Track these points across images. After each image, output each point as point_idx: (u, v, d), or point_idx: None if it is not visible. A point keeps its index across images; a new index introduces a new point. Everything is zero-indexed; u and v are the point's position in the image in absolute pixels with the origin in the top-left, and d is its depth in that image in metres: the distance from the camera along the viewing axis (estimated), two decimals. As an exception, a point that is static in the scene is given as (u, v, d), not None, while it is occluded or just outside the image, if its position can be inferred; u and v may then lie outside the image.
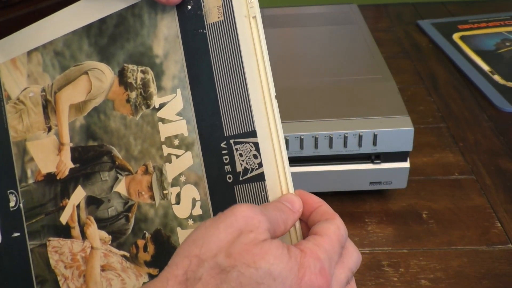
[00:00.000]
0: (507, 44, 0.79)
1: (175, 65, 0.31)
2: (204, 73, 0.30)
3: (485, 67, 0.73)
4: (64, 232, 0.36)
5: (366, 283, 0.43)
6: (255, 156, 0.29)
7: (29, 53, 0.36)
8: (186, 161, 0.31)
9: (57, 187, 0.36)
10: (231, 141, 0.30)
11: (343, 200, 0.51)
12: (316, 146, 0.45)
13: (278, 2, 1.03)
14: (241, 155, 0.30)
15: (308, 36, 0.63)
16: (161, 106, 0.32)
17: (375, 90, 0.50)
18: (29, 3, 0.92)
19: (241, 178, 0.30)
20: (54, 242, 0.36)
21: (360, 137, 0.45)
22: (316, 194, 0.52)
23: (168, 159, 0.32)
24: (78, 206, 0.35)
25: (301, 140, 0.45)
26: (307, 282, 0.26)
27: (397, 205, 0.51)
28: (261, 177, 0.30)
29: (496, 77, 0.70)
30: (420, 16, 0.92)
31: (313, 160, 0.47)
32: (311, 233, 0.30)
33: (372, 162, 0.47)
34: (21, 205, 0.37)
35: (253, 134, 0.29)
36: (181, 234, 0.32)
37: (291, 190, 0.30)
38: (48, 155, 0.36)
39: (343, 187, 0.49)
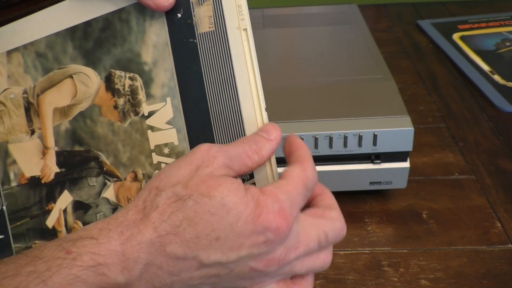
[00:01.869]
0: (507, 44, 0.79)
1: (165, 74, 0.31)
2: (194, 83, 0.30)
3: (485, 67, 0.73)
4: (51, 235, 0.35)
5: (366, 283, 0.43)
6: None
7: (9, 53, 0.35)
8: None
9: (42, 190, 0.35)
10: None
11: (343, 200, 0.51)
12: (316, 146, 0.45)
13: (278, 2, 1.03)
14: None
15: (308, 36, 0.63)
16: (150, 114, 0.31)
17: (375, 90, 0.50)
18: (29, 3, 0.92)
19: None
20: None
21: (360, 137, 0.45)
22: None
23: (158, 167, 0.32)
24: (65, 211, 0.35)
25: (301, 140, 0.45)
26: (264, 220, 0.26)
27: (397, 205, 0.51)
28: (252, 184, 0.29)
29: (496, 77, 0.70)
30: (420, 16, 0.92)
31: (314, 160, 0.47)
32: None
33: (372, 162, 0.47)
34: (4, 207, 0.37)
35: None
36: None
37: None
38: (31, 158, 0.35)
39: (343, 187, 0.49)
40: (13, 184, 0.36)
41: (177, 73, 0.30)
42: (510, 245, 0.46)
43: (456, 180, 0.54)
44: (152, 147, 0.32)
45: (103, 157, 0.33)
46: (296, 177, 0.29)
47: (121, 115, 0.32)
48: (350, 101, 0.48)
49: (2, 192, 0.37)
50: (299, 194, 0.28)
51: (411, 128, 0.45)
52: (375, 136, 0.45)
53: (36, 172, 0.35)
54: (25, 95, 0.35)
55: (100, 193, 0.34)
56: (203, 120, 0.30)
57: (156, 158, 0.32)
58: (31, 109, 0.35)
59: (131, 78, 0.31)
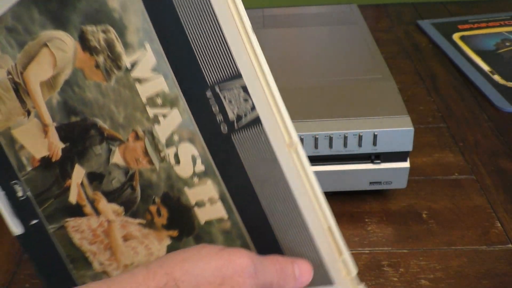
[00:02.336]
0: (507, 44, 0.79)
1: (136, 16, 0.28)
2: (169, 19, 0.27)
3: (485, 67, 0.73)
4: (78, 211, 0.35)
5: (366, 283, 0.43)
6: (245, 100, 0.27)
7: None
8: (175, 119, 0.29)
9: (55, 169, 0.34)
10: (216, 88, 0.27)
11: (343, 200, 0.51)
12: (316, 146, 0.45)
13: (278, 2, 1.03)
14: (230, 101, 0.27)
15: (308, 36, 0.63)
16: (133, 65, 0.29)
17: (375, 90, 0.50)
18: (29, 3, 0.92)
19: (236, 127, 0.28)
20: (72, 222, 0.35)
21: (360, 137, 0.45)
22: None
23: (155, 120, 0.30)
24: (82, 184, 0.34)
25: (301, 140, 0.45)
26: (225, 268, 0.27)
27: (397, 205, 0.51)
28: (257, 121, 0.27)
29: (496, 77, 0.70)
30: (420, 16, 0.92)
31: (313, 160, 0.47)
32: None
33: (372, 162, 0.47)
34: (28, 193, 0.36)
35: (238, 76, 0.27)
36: (190, 193, 0.30)
37: (292, 131, 0.27)
38: (36, 139, 0.34)
39: (343, 187, 0.49)
40: (28, 168, 0.35)
41: (148, 12, 0.27)
42: (510, 245, 0.46)
43: (456, 180, 0.54)
44: (144, 101, 0.29)
45: (100, 123, 0.31)
46: None
47: (104, 74, 0.30)
48: (350, 101, 0.48)
49: (22, 178, 0.36)
50: None
51: (411, 128, 0.45)
52: (375, 136, 0.45)
53: (45, 152, 0.34)
54: (10, 76, 0.33)
55: (108, 160, 0.32)
56: (188, 57, 0.27)
57: (151, 111, 0.30)
58: (19, 90, 0.33)
59: (104, 31, 0.29)
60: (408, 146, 0.46)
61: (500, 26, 0.85)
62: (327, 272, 0.29)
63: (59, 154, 0.34)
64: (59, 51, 0.31)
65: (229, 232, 0.30)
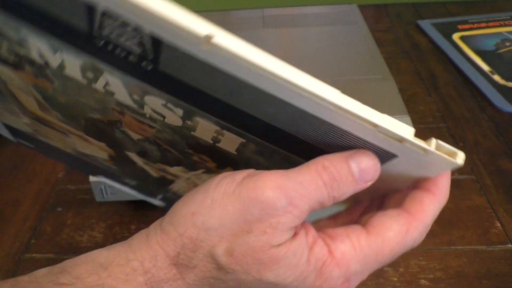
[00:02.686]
0: (507, 44, 0.79)
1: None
2: None
3: (485, 67, 0.73)
4: (166, 182, 0.34)
5: (366, 283, 0.43)
6: (125, 26, 0.19)
7: None
8: (115, 84, 0.24)
9: (127, 164, 0.33)
10: (103, 33, 0.20)
11: (343, 200, 0.51)
12: (316, 146, 0.45)
13: (278, 2, 1.03)
14: (120, 36, 0.20)
15: (308, 36, 0.63)
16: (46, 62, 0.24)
17: (375, 90, 0.50)
18: (29, 3, 0.92)
19: (150, 56, 0.21)
20: (172, 188, 0.35)
21: (360, 137, 0.45)
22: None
23: (108, 92, 0.25)
24: (145, 164, 0.32)
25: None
26: None
27: (397, 205, 0.51)
28: (158, 43, 0.19)
29: (496, 77, 0.70)
30: (420, 16, 0.92)
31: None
32: (365, 220, 0.23)
33: (372, 162, 0.47)
34: (133, 183, 0.36)
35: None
36: (199, 135, 0.26)
37: (198, 26, 0.18)
38: (87, 146, 0.33)
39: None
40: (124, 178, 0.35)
41: None
42: (510, 245, 0.46)
43: (456, 180, 0.54)
44: (85, 82, 0.25)
45: (94, 116, 0.28)
46: (389, 240, 0.22)
47: (45, 79, 0.26)
48: (350, 101, 0.48)
49: (132, 184, 0.35)
50: (378, 263, 0.22)
51: (411, 128, 0.45)
52: (375, 136, 0.45)
53: (104, 154, 0.33)
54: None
55: (131, 138, 0.30)
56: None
57: (97, 87, 0.25)
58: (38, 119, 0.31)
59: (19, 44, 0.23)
60: (408, 146, 0.46)
61: (500, 26, 0.85)
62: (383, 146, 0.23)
63: (109, 151, 0.32)
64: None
65: (261, 153, 0.26)
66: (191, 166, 0.30)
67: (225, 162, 0.28)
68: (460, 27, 0.86)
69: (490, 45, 0.79)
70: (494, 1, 0.96)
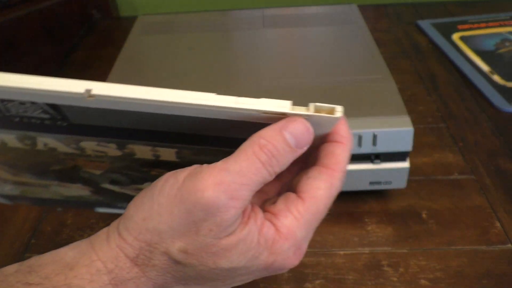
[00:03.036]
0: (507, 44, 0.79)
1: None
2: None
3: (485, 67, 0.73)
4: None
5: (366, 283, 0.43)
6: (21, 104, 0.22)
7: None
8: (51, 142, 0.28)
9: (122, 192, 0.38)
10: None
11: (343, 200, 0.51)
12: (316, 146, 0.45)
13: (278, 2, 1.03)
14: (19, 109, 0.23)
15: (308, 36, 0.63)
16: None
17: (375, 90, 0.50)
18: (29, 3, 0.92)
19: (58, 117, 0.24)
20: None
21: (360, 137, 0.45)
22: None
23: (52, 150, 0.29)
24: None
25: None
26: (277, 265, 0.24)
27: (397, 205, 0.51)
28: (53, 106, 0.23)
29: (496, 77, 0.70)
30: (420, 16, 0.92)
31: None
32: (295, 186, 0.25)
33: (372, 162, 0.47)
34: (125, 205, 0.39)
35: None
36: (136, 150, 0.29)
37: (75, 86, 0.21)
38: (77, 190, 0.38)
39: (343, 187, 0.49)
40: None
41: None
42: (510, 245, 0.46)
43: (456, 180, 0.54)
44: (28, 148, 0.28)
45: (53, 167, 0.32)
46: (321, 199, 0.24)
47: None
48: (350, 101, 0.48)
49: (125, 206, 0.39)
50: (318, 220, 0.25)
51: (411, 128, 0.45)
52: (375, 136, 0.45)
53: (86, 191, 0.37)
54: None
55: (100, 175, 0.33)
56: None
57: (40, 149, 0.28)
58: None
59: None
60: (408, 146, 0.46)
61: (500, 26, 0.85)
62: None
63: (90, 188, 0.36)
64: None
65: (197, 153, 0.29)
66: (155, 179, 0.33)
67: (176, 168, 0.31)
68: (460, 27, 0.86)
69: (490, 45, 0.79)
70: (494, 1, 0.96)
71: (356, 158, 0.47)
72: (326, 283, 0.43)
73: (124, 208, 0.41)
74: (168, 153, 0.29)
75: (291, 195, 0.25)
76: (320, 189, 0.24)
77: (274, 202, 0.25)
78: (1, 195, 0.40)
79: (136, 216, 0.23)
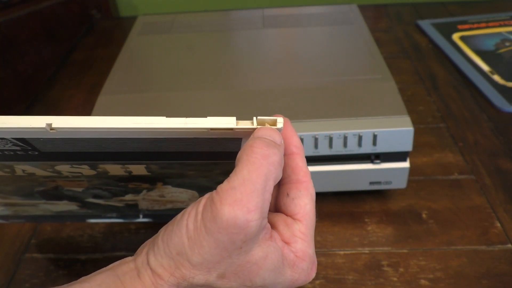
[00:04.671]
0: (507, 44, 0.79)
1: None
2: None
3: (485, 67, 0.73)
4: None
5: (366, 283, 0.43)
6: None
7: None
8: (29, 169, 0.30)
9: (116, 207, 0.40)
10: None
11: (343, 200, 0.51)
12: (316, 146, 0.45)
13: (278, 2, 1.03)
14: None
15: (308, 36, 0.63)
16: None
17: (375, 90, 0.50)
18: (29, 3, 0.92)
19: (29, 147, 0.26)
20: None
21: (360, 137, 0.45)
22: (316, 194, 0.52)
23: (31, 175, 0.32)
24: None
25: (301, 140, 0.45)
26: (300, 282, 0.26)
27: (397, 205, 0.51)
28: (22, 140, 0.25)
29: (496, 77, 0.70)
30: (419, 16, 0.92)
31: (313, 160, 0.47)
32: (283, 210, 0.27)
33: (372, 162, 0.47)
34: (114, 215, 0.43)
35: None
36: (109, 169, 0.31)
37: (36, 122, 0.23)
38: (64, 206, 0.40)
39: (343, 187, 0.49)
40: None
41: None
42: (509, 245, 0.46)
43: (456, 180, 0.54)
44: (9, 175, 0.31)
45: (37, 189, 0.35)
46: (310, 211, 0.27)
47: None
48: (350, 101, 0.48)
49: (114, 215, 0.42)
50: (314, 228, 0.28)
51: (411, 128, 0.45)
52: (375, 136, 0.45)
53: (73, 206, 0.39)
54: None
55: (80, 193, 0.36)
56: None
57: (19, 174, 0.31)
58: None
59: None
60: (408, 146, 0.46)
61: (500, 26, 0.85)
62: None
63: (76, 203, 0.39)
64: None
65: (165, 167, 0.31)
66: (135, 191, 0.36)
67: (150, 181, 0.33)
68: (460, 27, 0.86)
69: (490, 45, 0.79)
70: (494, 1, 0.96)
71: (356, 158, 0.47)
72: (326, 283, 0.43)
73: (113, 217, 0.43)
74: (138, 169, 0.31)
75: (288, 220, 0.27)
76: (307, 204, 0.27)
77: (274, 227, 0.27)
78: None
79: (169, 251, 0.24)
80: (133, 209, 0.41)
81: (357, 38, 0.61)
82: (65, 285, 0.25)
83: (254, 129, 0.25)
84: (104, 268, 0.26)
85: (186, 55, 0.59)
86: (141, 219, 0.44)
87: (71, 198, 0.37)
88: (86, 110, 0.69)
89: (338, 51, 0.58)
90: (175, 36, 0.65)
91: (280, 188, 0.28)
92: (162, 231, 0.25)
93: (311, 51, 0.59)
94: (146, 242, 0.27)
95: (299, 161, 0.28)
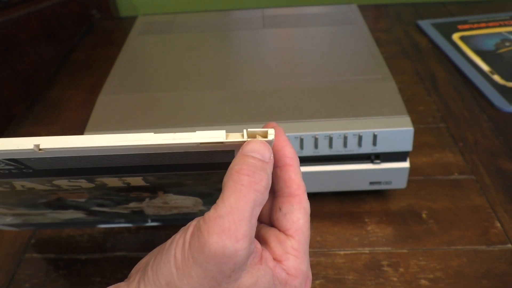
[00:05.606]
0: (507, 44, 0.79)
1: None
2: None
3: (485, 67, 0.73)
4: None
5: (365, 283, 0.43)
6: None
7: None
8: (27, 184, 0.31)
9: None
10: None
11: (343, 200, 0.51)
12: (316, 146, 0.45)
13: (278, 2, 1.03)
14: None
15: (308, 36, 0.63)
16: None
17: (375, 90, 0.50)
18: (29, 3, 0.92)
19: (22, 167, 0.27)
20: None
21: (360, 137, 0.45)
22: (316, 194, 0.52)
23: (30, 189, 0.32)
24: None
25: (301, 140, 0.45)
26: None
27: (397, 205, 0.51)
28: (14, 161, 0.26)
29: (496, 77, 0.70)
30: (420, 16, 0.92)
31: (313, 160, 0.47)
32: (275, 224, 0.27)
33: (372, 162, 0.47)
34: (122, 220, 0.43)
35: None
36: (108, 182, 0.31)
37: (21, 144, 0.24)
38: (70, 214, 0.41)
39: (343, 187, 0.49)
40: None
41: None
42: (509, 245, 0.46)
43: (456, 180, 0.54)
44: (8, 190, 0.31)
45: (40, 201, 0.35)
46: (303, 226, 0.26)
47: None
48: (350, 101, 0.48)
49: (122, 221, 0.43)
50: (308, 243, 0.27)
51: (411, 128, 0.45)
52: (375, 136, 0.45)
53: (80, 214, 0.39)
54: None
55: (85, 203, 0.35)
56: None
57: (19, 189, 0.31)
58: None
59: None
60: (408, 146, 0.46)
61: (500, 26, 0.85)
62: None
63: (82, 211, 0.39)
64: None
65: (162, 178, 0.31)
66: (138, 199, 0.36)
67: (150, 190, 0.33)
68: (460, 27, 0.86)
69: (490, 45, 0.79)
70: (494, 1, 0.96)
71: (356, 158, 0.47)
72: (326, 283, 0.43)
73: (122, 223, 0.43)
74: (136, 180, 0.31)
75: (281, 236, 0.26)
76: (300, 219, 0.26)
77: (266, 243, 0.27)
78: (8, 224, 0.42)
79: (158, 282, 0.24)
80: (140, 214, 0.41)
81: (357, 38, 0.61)
82: None
83: (243, 142, 0.25)
84: None
85: (186, 55, 0.59)
86: (150, 223, 0.44)
87: (76, 207, 0.37)
88: (86, 110, 0.69)
89: (338, 51, 0.58)
90: (175, 36, 0.65)
91: (273, 201, 0.28)
92: (152, 257, 0.25)
93: (311, 51, 0.59)
94: (140, 264, 0.27)
95: (292, 173, 0.27)
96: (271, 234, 0.27)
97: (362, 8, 0.91)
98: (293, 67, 0.55)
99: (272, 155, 0.25)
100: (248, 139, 0.25)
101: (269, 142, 0.25)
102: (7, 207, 0.36)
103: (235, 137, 0.25)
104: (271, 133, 0.25)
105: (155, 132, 0.24)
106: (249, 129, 0.25)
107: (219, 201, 0.23)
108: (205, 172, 0.30)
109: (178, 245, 0.24)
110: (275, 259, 0.26)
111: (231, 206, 0.23)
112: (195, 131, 0.24)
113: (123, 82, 0.54)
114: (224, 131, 0.24)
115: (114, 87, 0.53)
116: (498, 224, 0.48)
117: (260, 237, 0.28)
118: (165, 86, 0.53)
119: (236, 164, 0.24)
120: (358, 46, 0.59)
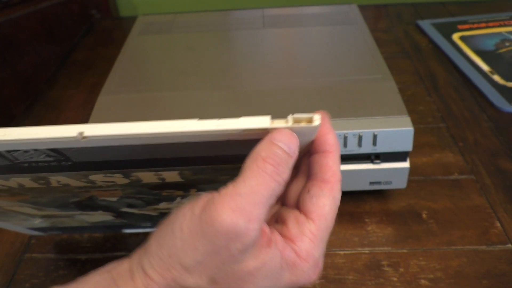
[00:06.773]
0: (507, 44, 0.79)
1: None
2: None
3: (485, 67, 0.73)
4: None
5: (366, 283, 0.43)
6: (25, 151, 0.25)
7: None
8: (63, 179, 0.30)
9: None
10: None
11: (343, 200, 0.51)
12: (316, 146, 0.45)
13: (278, 2, 1.03)
14: (27, 157, 0.26)
15: (308, 36, 0.63)
16: None
17: (375, 90, 0.50)
18: (29, 3, 0.92)
19: (62, 158, 0.27)
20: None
21: (360, 137, 0.45)
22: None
23: (65, 185, 0.32)
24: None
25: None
26: (298, 284, 0.25)
27: (397, 205, 0.51)
28: (55, 149, 0.26)
29: (496, 77, 0.70)
30: (420, 16, 0.92)
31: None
32: (300, 205, 0.26)
33: (372, 162, 0.47)
34: (148, 224, 0.43)
35: None
36: (142, 176, 0.31)
37: (59, 132, 0.24)
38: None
39: (343, 187, 0.49)
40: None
41: None
42: (509, 245, 0.46)
43: (456, 180, 0.54)
44: (43, 187, 0.31)
45: (71, 200, 0.35)
46: (328, 214, 0.25)
47: (18, 195, 0.32)
48: (350, 101, 0.48)
49: (148, 225, 0.43)
50: (329, 234, 0.26)
51: (411, 128, 0.45)
52: (375, 136, 0.45)
53: (109, 216, 0.40)
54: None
55: (115, 202, 0.35)
56: None
57: (54, 186, 0.31)
58: None
59: None
60: (408, 146, 0.46)
61: (500, 26, 0.85)
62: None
63: (111, 213, 0.39)
64: None
65: (198, 173, 0.30)
66: (169, 199, 0.35)
67: (184, 187, 0.33)
68: (460, 27, 0.86)
69: (490, 45, 0.79)
70: (494, 1, 0.96)
71: (356, 158, 0.47)
72: (326, 283, 0.43)
73: (148, 227, 0.43)
74: (171, 175, 0.30)
75: (301, 217, 0.26)
76: (326, 205, 0.25)
77: (284, 223, 0.26)
78: (34, 228, 0.42)
79: (161, 253, 0.24)
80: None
81: (357, 38, 0.61)
82: (63, 286, 0.25)
83: (290, 127, 0.24)
84: (101, 268, 0.26)
85: (186, 55, 0.59)
86: None
87: (106, 208, 0.37)
88: (86, 110, 0.69)
89: (338, 51, 0.58)
90: (175, 36, 0.65)
91: (306, 183, 0.27)
92: (156, 232, 0.25)
93: (311, 51, 0.59)
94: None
95: (330, 160, 0.26)
96: (291, 215, 0.26)
97: (362, 8, 0.91)
98: (293, 67, 0.55)
99: (298, 150, 0.24)
100: (287, 125, 0.24)
101: (314, 128, 0.24)
102: (38, 207, 0.36)
103: (280, 123, 0.24)
104: (317, 119, 0.24)
105: None
106: (295, 115, 0.24)
107: (239, 180, 0.23)
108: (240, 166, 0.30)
109: (185, 217, 0.23)
110: (289, 238, 0.25)
111: (251, 187, 0.22)
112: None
113: (123, 82, 0.54)
114: (269, 116, 0.24)
115: (114, 87, 0.53)
116: (498, 224, 0.48)
117: (279, 217, 0.27)
118: (165, 86, 0.53)
119: (263, 151, 0.23)
120: (358, 46, 0.59)
